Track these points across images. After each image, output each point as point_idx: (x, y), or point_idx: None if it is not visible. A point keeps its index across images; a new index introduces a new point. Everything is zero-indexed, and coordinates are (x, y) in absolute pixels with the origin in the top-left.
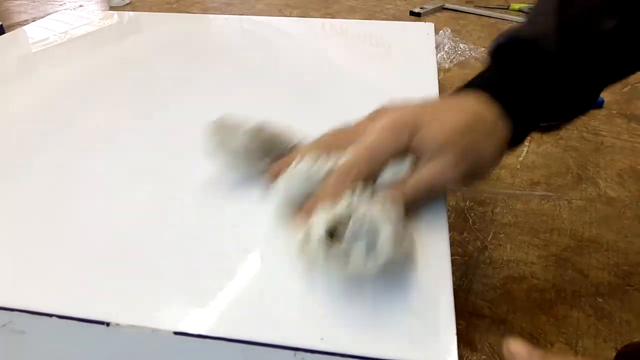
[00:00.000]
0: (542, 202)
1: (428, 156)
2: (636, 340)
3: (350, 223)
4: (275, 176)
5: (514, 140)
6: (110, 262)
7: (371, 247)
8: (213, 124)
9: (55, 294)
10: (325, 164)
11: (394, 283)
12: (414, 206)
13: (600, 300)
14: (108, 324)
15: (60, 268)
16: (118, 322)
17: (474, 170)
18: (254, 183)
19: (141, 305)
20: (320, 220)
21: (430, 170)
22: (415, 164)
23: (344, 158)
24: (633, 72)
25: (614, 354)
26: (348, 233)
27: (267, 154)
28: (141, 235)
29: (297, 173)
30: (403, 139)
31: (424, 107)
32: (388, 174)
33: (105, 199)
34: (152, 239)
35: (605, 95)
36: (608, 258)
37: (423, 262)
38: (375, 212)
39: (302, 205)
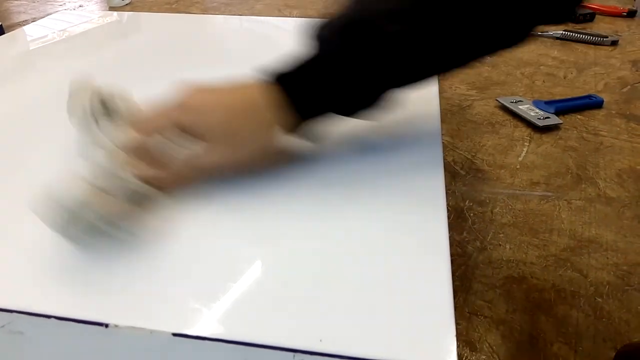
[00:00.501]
0: (542, 202)
1: (206, 139)
2: (635, 340)
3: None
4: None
5: (299, 125)
6: (109, 264)
7: None
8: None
9: (54, 295)
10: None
11: (394, 283)
12: (183, 184)
13: (599, 300)
14: (107, 325)
15: (60, 269)
16: (117, 323)
17: (238, 154)
18: (258, 183)
19: (140, 307)
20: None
21: (209, 155)
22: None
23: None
24: (421, 79)
25: (614, 354)
26: None
27: (106, 114)
28: (140, 236)
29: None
30: (186, 118)
31: (209, 90)
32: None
33: None
34: (151, 241)
35: (605, 95)
36: (607, 258)
37: (423, 262)
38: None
39: None
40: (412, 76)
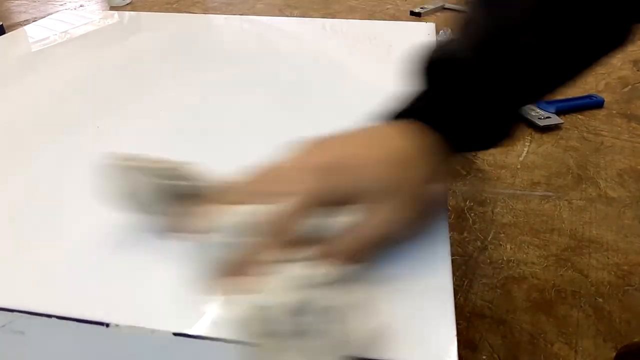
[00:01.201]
0: (542, 202)
1: (366, 200)
2: (636, 340)
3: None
4: (193, 228)
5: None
6: (110, 263)
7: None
8: (113, 166)
9: (55, 295)
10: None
11: (394, 283)
12: (357, 261)
13: (600, 300)
14: (108, 325)
15: (60, 269)
16: (118, 323)
17: (407, 208)
18: None
19: (141, 306)
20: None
21: (375, 218)
22: (351, 211)
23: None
24: (555, 88)
25: (614, 354)
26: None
27: (175, 197)
28: (141, 235)
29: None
30: (334, 183)
31: (352, 141)
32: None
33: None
34: (151, 240)
35: (605, 95)
36: (608, 258)
37: (423, 262)
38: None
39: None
40: (549, 87)
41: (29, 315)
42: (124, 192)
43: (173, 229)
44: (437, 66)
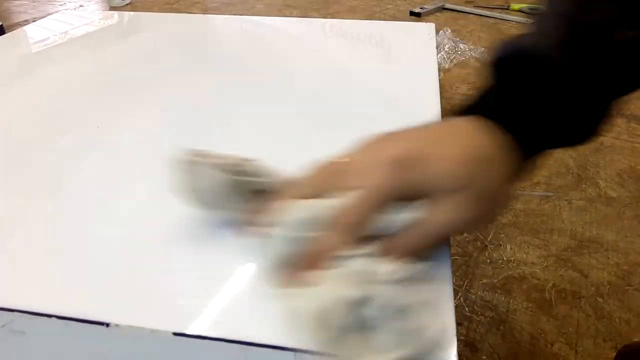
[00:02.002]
0: (542, 202)
1: (437, 196)
2: (636, 340)
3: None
4: (262, 223)
5: (526, 166)
6: (110, 263)
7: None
8: (182, 161)
9: (55, 295)
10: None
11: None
12: (419, 255)
13: (600, 300)
14: (108, 325)
15: (60, 269)
16: (118, 322)
17: (489, 208)
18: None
19: (141, 306)
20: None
21: (443, 214)
22: (420, 205)
23: (345, 205)
24: None
25: (614, 354)
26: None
27: (243, 193)
28: (140, 236)
29: (296, 223)
30: (407, 177)
31: (424, 136)
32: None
33: (105, 199)
34: (151, 240)
35: None
36: (608, 258)
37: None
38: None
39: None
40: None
41: (29, 315)
42: (191, 186)
43: (238, 224)
44: (511, 62)
